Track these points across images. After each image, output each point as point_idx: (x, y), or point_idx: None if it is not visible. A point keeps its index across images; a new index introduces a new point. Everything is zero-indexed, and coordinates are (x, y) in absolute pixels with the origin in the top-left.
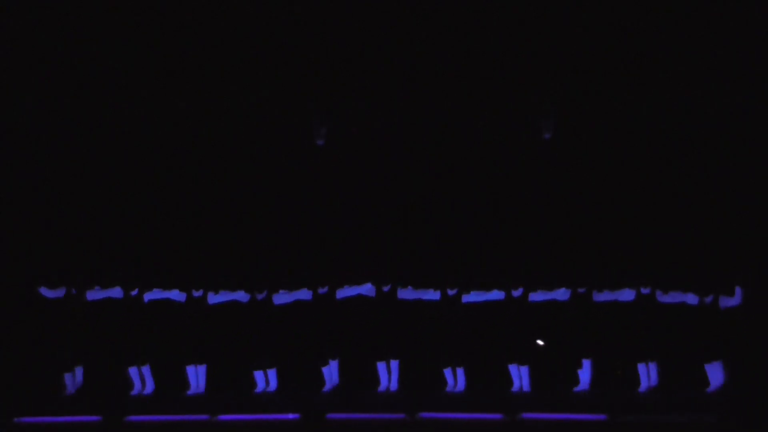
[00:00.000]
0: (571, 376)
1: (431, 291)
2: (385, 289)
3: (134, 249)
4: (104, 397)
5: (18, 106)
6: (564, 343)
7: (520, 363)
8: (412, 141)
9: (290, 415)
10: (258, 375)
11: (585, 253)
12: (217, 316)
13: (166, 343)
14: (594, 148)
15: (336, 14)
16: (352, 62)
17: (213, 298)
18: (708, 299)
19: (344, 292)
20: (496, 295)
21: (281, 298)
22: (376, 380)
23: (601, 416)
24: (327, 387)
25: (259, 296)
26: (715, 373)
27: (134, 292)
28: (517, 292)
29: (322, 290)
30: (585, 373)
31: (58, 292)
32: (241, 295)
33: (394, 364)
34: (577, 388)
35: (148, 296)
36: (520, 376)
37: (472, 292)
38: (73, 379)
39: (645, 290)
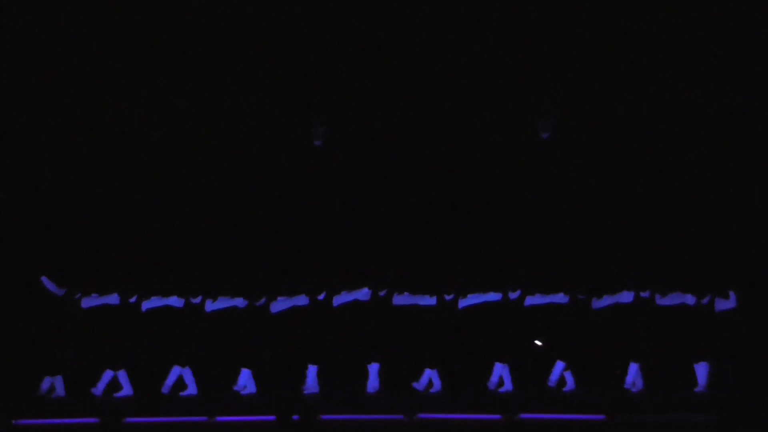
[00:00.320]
0: (567, 377)
1: (427, 297)
2: (381, 294)
3: (132, 256)
4: (101, 400)
5: (18, 106)
6: (563, 344)
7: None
8: (412, 141)
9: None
10: (249, 378)
11: (583, 256)
12: (215, 323)
13: (163, 347)
14: (593, 149)
15: (335, 15)
16: (351, 62)
17: (211, 306)
18: (704, 301)
19: (341, 298)
20: (493, 296)
21: (279, 305)
22: (373, 383)
23: (599, 416)
24: (322, 390)
25: (257, 303)
26: (709, 374)
27: (132, 299)
28: (514, 294)
29: (320, 297)
30: (577, 375)
31: (59, 295)
32: (240, 302)
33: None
34: (565, 389)
35: (146, 304)
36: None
37: (469, 295)
38: (52, 384)
39: (644, 294)
